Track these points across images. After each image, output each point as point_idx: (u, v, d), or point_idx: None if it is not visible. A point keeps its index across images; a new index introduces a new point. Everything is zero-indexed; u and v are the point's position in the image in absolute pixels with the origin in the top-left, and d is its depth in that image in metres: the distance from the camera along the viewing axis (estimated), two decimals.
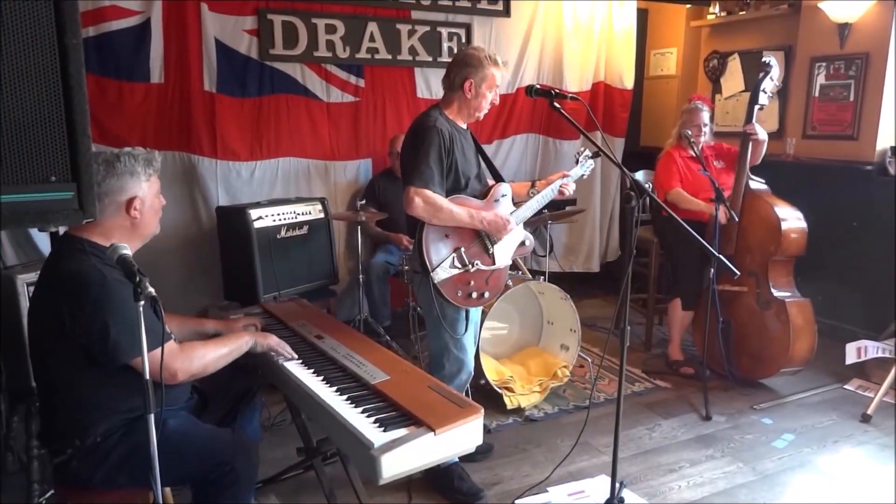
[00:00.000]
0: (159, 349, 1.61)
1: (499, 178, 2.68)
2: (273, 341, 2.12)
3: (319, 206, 3.81)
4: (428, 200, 2.34)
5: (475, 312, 2.64)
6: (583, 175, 2.84)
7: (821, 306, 3.73)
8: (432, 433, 1.64)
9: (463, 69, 2.45)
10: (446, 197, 2.41)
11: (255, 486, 2.47)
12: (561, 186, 2.68)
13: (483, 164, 2.71)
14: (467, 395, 2.69)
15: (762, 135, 3.54)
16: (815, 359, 3.55)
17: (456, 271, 2.44)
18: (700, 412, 3.33)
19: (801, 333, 3.45)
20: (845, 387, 3.65)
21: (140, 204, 1.81)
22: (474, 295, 2.49)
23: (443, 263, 2.41)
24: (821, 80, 4.41)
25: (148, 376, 1.50)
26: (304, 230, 3.70)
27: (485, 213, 2.47)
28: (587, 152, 2.82)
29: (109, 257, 1.65)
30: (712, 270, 3.44)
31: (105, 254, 1.69)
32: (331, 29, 4.03)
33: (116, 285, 1.67)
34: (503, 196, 2.60)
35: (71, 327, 1.67)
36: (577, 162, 2.82)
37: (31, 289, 2.20)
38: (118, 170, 1.77)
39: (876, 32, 4.09)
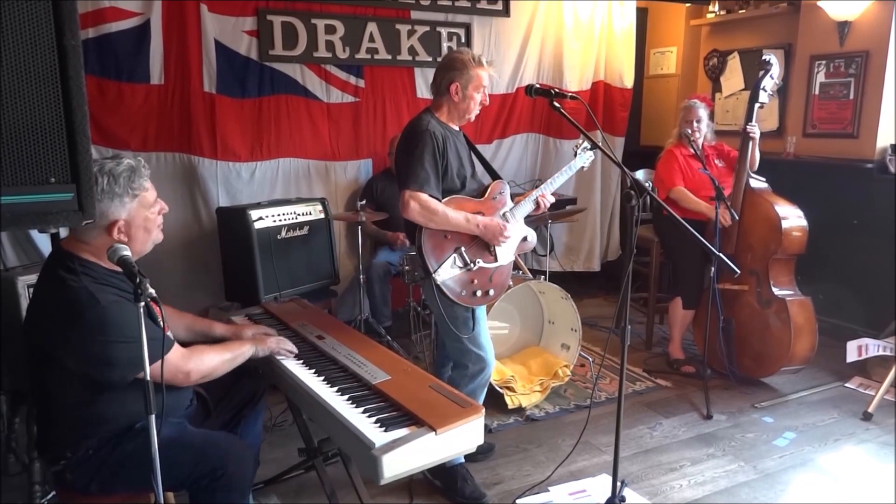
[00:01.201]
0: (165, 357, 1.60)
1: (496, 178, 2.67)
2: (272, 344, 2.12)
3: (320, 207, 3.81)
4: (423, 204, 2.34)
5: (481, 308, 2.63)
6: (583, 167, 2.84)
7: (821, 305, 3.72)
8: (433, 433, 1.64)
9: (448, 73, 2.46)
10: (443, 198, 2.41)
11: (257, 487, 2.48)
12: (538, 197, 2.67)
13: (480, 165, 2.70)
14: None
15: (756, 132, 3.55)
16: (815, 357, 3.55)
17: (458, 271, 2.44)
18: (701, 411, 3.33)
19: (802, 332, 3.45)
20: (846, 385, 3.65)
21: (125, 226, 1.71)
22: (479, 293, 2.49)
23: (444, 264, 2.41)
24: (821, 78, 4.41)
25: (149, 379, 1.49)
26: (305, 230, 3.70)
27: (481, 218, 2.46)
28: (585, 144, 2.79)
29: (102, 274, 1.63)
30: (713, 269, 3.44)
31: (97, 271, 1.67)
32: (330, 29, 4.03)
33: (111, 308, 1.63)
34: (500, 193, 2.60)
35: (67, 358, 1.66)
36: (575, 154, 2.82)
37: (32, 290, 2.20)
38: (95, 195, 1.65)
39: (875, 30, 4.09)
